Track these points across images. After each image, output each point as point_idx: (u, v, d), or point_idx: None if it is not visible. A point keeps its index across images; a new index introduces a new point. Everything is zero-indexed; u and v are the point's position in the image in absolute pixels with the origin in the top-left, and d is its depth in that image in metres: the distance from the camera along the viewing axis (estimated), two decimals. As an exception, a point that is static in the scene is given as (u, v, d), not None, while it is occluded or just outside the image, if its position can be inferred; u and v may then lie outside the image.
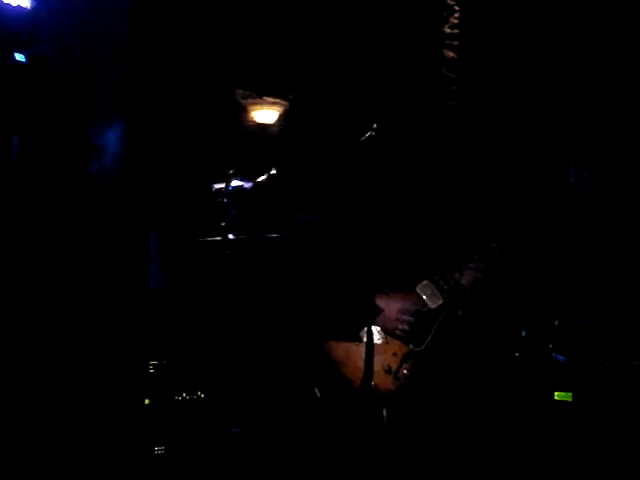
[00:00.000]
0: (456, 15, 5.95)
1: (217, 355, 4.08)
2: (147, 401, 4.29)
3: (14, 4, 3.93)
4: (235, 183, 2.91)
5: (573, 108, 5.36)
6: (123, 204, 4.84)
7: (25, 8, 3.98)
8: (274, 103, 5.56)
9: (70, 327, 4.27)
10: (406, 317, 3.11)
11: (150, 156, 4.94)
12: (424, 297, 3.21)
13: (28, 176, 4.08)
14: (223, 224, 2.88)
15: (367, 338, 2.69)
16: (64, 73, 4.31)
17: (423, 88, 5.85)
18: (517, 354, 4.29)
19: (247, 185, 2.98)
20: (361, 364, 2.99)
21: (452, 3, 5.96)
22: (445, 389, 3.21)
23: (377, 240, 3.11)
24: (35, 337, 4.12)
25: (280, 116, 5.59)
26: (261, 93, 5.51)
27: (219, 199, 2.93)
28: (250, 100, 5.55)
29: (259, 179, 2.97)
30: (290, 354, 3.34)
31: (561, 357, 4.16)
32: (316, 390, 3.12)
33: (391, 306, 3.15)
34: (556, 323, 4.34)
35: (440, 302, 3.21)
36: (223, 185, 2.89)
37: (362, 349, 3.07)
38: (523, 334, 4.36)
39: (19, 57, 3.90)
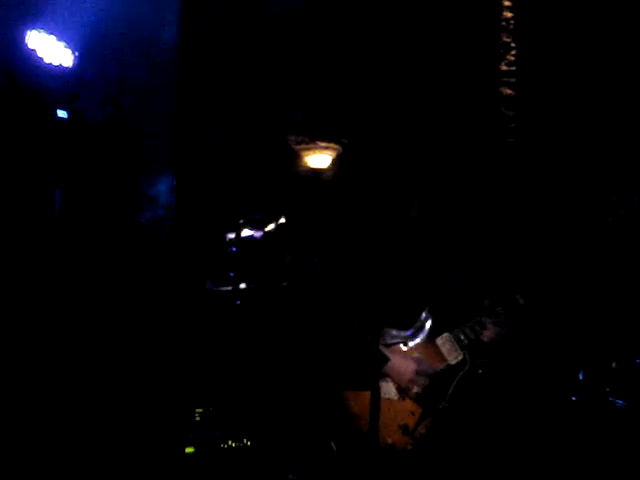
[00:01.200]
0: (512, 52, 5.86)
1: (254, 403, 4.06)
2: (192, 449, 4.29)
3: (56, 63, 4.10)
4: (246, 232, 2.91)
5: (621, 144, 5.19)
6: (178, 253, 4.90)
7: (67, 67, 4.14)
8: (327, 147, 5.56)
9: (117, 376, 4.33)
10: (421, 380, 3.00)
11: (202, 205, 5.01)
12: (443, 351, 3.10)
13: (71, 229, 4.20)
14: (232, 274, 2.87)
15: (372, 389, 2.61)
16: (110, 127, 4.44)
17: (481, 127, 5.76)
18: (574, 398, 4.14)
19: (257, 234, 2.96)
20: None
21: (508, 40, 5.87)
22: (465, 450, 3.08)
23: (393, 287, 3.05)
24: (82, 387, 4.20)
25: (333, 160, 5.59)
26: (314, 138, 5.52)
27: (229, 248, 2.93)
28: (303, 145, 5.57)
29: (268, 228, 2.95)
30: (309, 405, 3.29)
31: (620, 401, 3.98)
32: (332, 444, 3.05)
33: (407, 364, 3.04)
34: (613, 365, 4.17)
35: (460, 358, 3.08)
36: (234, 235, 2.89)
37: (380, 403, 2.99)
38: (580, 377, 4.21)
39: (61, 114, 4.05)
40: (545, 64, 5.65)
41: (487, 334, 3.09)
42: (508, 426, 3.59)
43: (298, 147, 5.59)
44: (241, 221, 2.91)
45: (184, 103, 5.18)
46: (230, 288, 2.89)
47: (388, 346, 3.13)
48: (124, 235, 4.62)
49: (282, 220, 2.94)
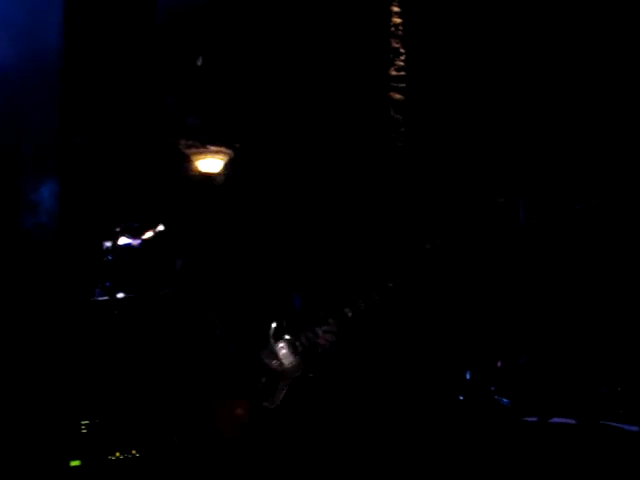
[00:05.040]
0: (402, 57, 5.92)
1: (142, 414, 3.99)
2: (78, 462, 4.19)
3: None
4: (123, 241, 2.85)
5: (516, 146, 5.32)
6: (62, 262, 4.76)
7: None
8: (218, 152, 5.49)
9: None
10: (256, 380, 3.21)
11: (87, 212, 4.88)
12: (280, 356, 3.36)
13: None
14: (108, 284, 2.81)
15: (250, 397, 2.63)
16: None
17: (371, 131, 5.81)
18: (461, 397, 4.22)
19: (135, 242, 2.92)
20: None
21: (397, 46, 5.93)
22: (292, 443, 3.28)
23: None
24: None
25: (225, 165, 5.53)
26: (205, 142, 5.45)
27: (105, 257, 2.88)
28: (194, 149, 5.49)
29: (146, 236, 2.91)
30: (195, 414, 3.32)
31: (505, 400, 4.08)
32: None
33: None
34: (499, 364, 4.26)
35: (294, 362, 3.38)
36: (111, 243, 2.83)
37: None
38: (467, 377, 4.29)
39: None
40: (434, 69, 5.74)
41: (320, 342, 3.43)
42: (342, 422, 3.80)
43: (189, 151, 5.52)
44: (118, 229, 2.86)
45: (70, 106, 5.04)
46: (107, 298, 2.84)
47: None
48: (3, 242, 4.47)
49: (160, 228, 2.90)
